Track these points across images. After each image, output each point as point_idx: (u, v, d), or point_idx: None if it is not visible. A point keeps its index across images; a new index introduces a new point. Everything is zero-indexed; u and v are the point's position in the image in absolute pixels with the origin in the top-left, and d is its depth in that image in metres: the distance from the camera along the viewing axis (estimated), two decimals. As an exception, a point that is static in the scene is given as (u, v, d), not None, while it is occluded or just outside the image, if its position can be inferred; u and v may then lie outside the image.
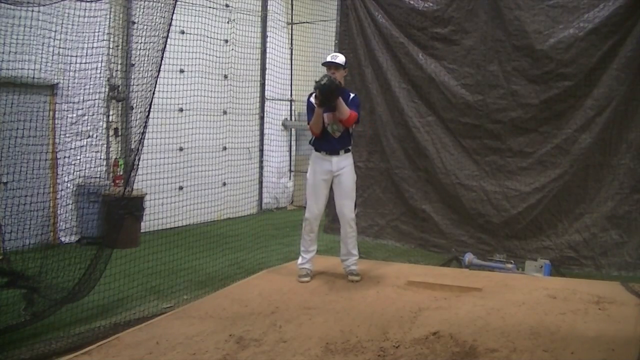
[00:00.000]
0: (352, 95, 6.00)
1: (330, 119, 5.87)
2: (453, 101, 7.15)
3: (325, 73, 5.87)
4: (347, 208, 5.95)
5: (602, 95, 6.53)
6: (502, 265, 6.71)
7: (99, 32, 7.27)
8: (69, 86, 7.99)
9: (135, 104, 6.13)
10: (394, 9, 7.41)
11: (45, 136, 7.74)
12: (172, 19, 5.50)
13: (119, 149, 9.30)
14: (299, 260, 6.14)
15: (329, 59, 5.94)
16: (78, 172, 8.25)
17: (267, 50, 11.63)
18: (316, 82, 5.68)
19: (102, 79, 8.58)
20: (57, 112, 8.23)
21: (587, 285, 5.86)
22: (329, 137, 5.89)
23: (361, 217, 7.57)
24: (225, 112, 10.67)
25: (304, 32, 12.49)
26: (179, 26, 9.09)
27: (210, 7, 9.69)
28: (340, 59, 5.94)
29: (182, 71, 9.54)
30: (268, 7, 11.75)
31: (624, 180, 6.50)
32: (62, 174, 8.17)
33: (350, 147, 6.00)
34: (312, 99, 5.88)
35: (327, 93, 5.62)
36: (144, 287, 6.19)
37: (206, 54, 9.70)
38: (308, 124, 6.04)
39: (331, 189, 6.05)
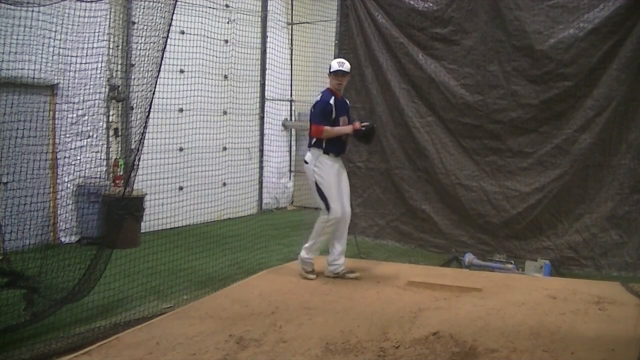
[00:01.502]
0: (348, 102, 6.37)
1: (344, 123, 6.05)
2: (453, 101, 7.15)
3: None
4: (349, 204, 6.18)
5: (602, 96, 6.53)
6: (502, 265, 6.72)
7: (99, 32, 7.26)
8: (69, 86, 7.98)
9: (135, 104, 6.13)
10: (394, 9, 7.42)
11: (45, 136, 7.73)
12: (172, 19, 5.49)
13: (119, 149, 9.30)
14: (306, 255, 6.07)
15: (337, 66, 5.93)
16: (78, 172, 8.24)
17: (267, 50, 11.63)
18: (367, 126, 6.08)
19: (102, 79, 8.57)
20: (57, 112, 8.22)
21: (587, 285, 5.86)
22: (341, 141, 6.04)
23: (361, 217, 7.59)
24: (225, 112, 10.67)
25: (304, 32, 12.48)
26: (179, 26, 9.09)
27: (210, 7, 9.68)
28: (347, 66, 6.01)
29: (182, 71, 9.54)
30: (268, 7, 11.74)
31: (624, 181, 6.51)
32: (62, 174, 8.17)
33: None
34: (332, 102, 5.94)
35: (368, 136, 6.18)
36: (144, 287, 6.19)
37: (206, 54, 9.69)
38: (321, 125, 5.87)
39: None
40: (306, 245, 6.11)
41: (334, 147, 5.99)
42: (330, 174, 5.98)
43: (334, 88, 6.00)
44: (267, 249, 8.43)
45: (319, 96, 6.05)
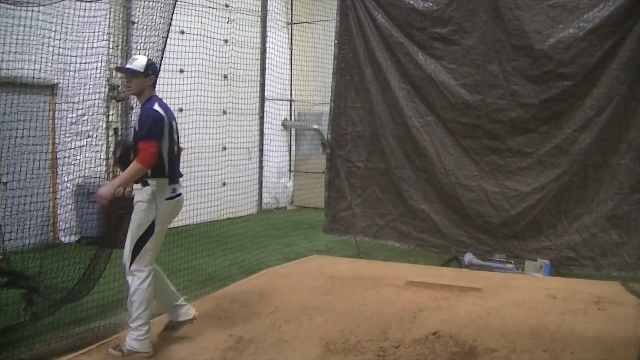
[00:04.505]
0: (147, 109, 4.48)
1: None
2: (453, 101, 7.14)
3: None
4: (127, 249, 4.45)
5: (602, 96, 6.52)
6: (502, 265, 6.72)
7: (99, 32, 7.25)
8: (69, 86, 7.99)
9: (135, 104, 6.13)
10: (394, 9, 7.41)
11: (46, 136, 7.74)
12: (172, 19, 5.50)
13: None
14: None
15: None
16: (78, 172, 8.24)
17: (267, 50, 11.64)
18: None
19: (102, 79, 8.56)
20: (57, 112, 8.23)
21: (587, 285, 5.86)
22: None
23: (361, 217, 7.59)
24: (225, 112, 10.67)
25: (304, 32, 12.50)
26: (179, 26, 9.09)
27: (210, 7, 9.69)
28: (138, 63, 4.46)
29: (182, 71, 9.53)
30: (268, 7, 11.75)
31: (624, 181, 6.50)
32: (62, 174, 8.17)
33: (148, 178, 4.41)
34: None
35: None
36: (144, 287, 6.18)
37: (206, 54, 9.70)
38: (154, 145, 4.32)
39: None
40: None
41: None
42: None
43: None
44: (267, 249, 8.44)
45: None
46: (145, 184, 4.38)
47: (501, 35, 6.86)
